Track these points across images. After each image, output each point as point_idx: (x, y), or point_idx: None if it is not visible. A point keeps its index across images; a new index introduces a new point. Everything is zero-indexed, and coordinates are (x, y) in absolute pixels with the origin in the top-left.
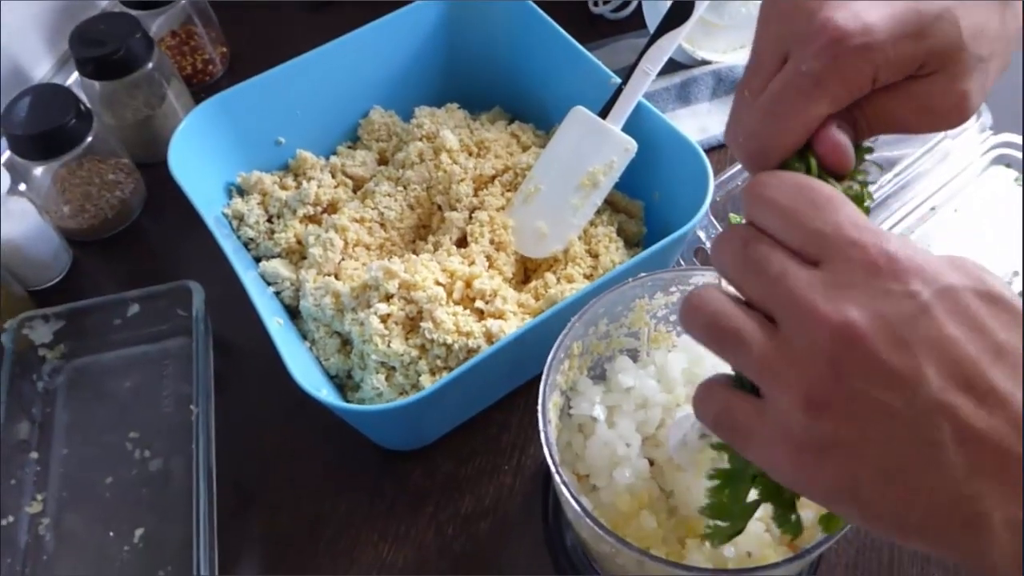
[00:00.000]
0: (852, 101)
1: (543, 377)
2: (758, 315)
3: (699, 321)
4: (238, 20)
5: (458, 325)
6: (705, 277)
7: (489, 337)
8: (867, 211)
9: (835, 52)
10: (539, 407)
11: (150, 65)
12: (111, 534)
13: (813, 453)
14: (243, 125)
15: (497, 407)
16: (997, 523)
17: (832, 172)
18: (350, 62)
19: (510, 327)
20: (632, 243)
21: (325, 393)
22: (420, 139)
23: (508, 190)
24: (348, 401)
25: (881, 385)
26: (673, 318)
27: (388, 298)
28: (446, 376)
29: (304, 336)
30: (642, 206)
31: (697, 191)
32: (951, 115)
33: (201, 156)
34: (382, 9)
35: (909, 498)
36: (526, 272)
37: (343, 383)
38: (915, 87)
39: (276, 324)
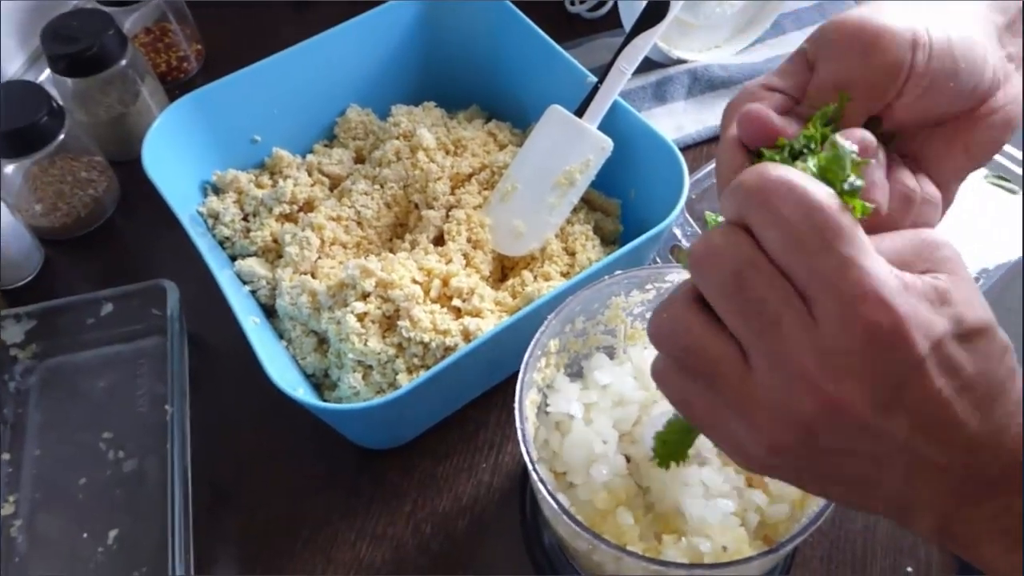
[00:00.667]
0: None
1: (520, 374)
2: (733, 345)
3: (672, 347)
4: (214, 18)
5: (435, 323)
6: (681, 275)
7: (466, 335)
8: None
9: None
10: (516, 405)
11: (123, 62)
12: (85, 535)
13: (769, 470)
14: (219, 123)
15: (475, 405)
16: (927, 523)
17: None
18: (327, 60)
19: (487, 325)
20: (609, 241)
21: (302, 392)
22: (397, 137)
23: (485, 188)
24: (325, 400)
25: (854, 440)
26: (650, 315)
27: (365, 297)
28: (423, 375)
29: (280, 335)
30: (619, 204)
31: (672, 189)
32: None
33: (176, 154)
34: (359, 8)
35: (864, 501)
36: (503, 270)
37: (320, 382)
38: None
39: (252, 323)
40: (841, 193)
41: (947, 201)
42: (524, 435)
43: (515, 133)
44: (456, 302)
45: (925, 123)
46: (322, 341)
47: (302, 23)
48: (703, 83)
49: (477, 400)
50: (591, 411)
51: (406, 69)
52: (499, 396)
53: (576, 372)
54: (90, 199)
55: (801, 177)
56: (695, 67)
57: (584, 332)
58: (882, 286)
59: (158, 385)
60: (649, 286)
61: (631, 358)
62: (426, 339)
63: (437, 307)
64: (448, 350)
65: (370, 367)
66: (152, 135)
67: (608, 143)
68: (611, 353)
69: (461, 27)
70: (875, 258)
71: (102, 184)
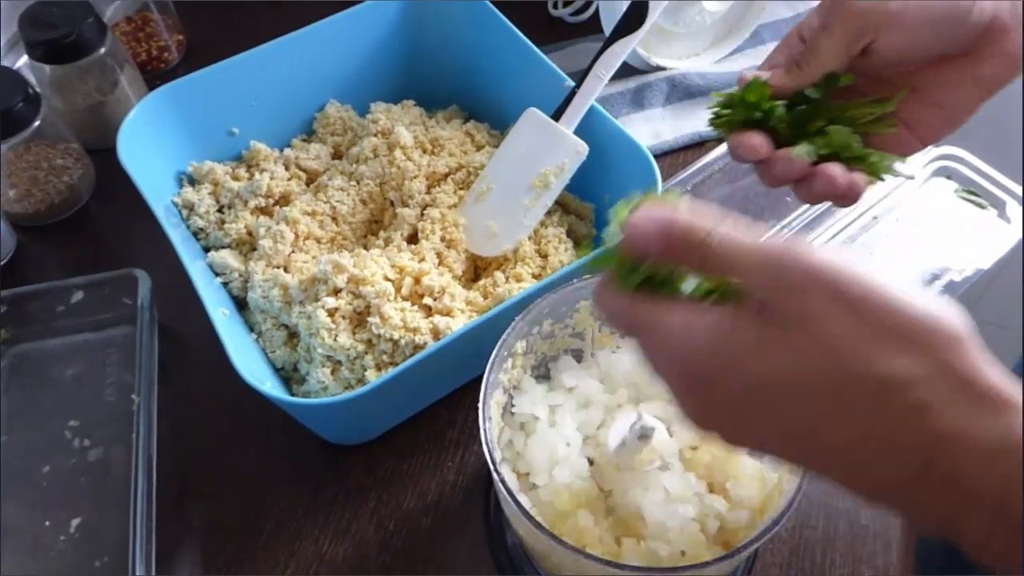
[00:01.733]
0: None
1: (485, 375)
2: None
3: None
4: (196, 9)
5: (405, 321)
6: None
7: (436, 333)
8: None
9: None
10: (480, 405)
11: (102, 50)
12: (47, 523)
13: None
14: (196, 114)
15: (443, 404)
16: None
17: None
18: (308, 55)
19: (457, 324)
20: (582, 244)
21: (269, 386)
22: (375, 135)
23: (461, 188)
24: (293, 395)
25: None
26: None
27: (336, 292)
28: (391, 371)
29: (251, 328)
30: (592, 208)
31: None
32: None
33: (152, 144)
34: (341, 5)
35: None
36: (476, 270)
37: (289, 376)
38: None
39: (221, 315)
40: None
41: (957, 123)
42: (487, 435)
43: (492, 134)
44: (427, 300)
45: (916, 59)
46: (292, 335)
47: (284, 18)
48: (681, 91)
49: (446, 399)
50: (556, 413)
51: (386, 67)
52: (467, 395)
53: (543, 374)
54: (65, 186)
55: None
56: (674, 74)
57: (552, 335)
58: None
59: (126, 374)
60: None
61: (598, 362)
62: (396, 336)
63: (408, 305)
64: (417, 348)
65: (339, 363)
66: (128, 125)
67: (583, 147)
68: (579, 356)
69: (442, 27)
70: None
71: (77, 172)
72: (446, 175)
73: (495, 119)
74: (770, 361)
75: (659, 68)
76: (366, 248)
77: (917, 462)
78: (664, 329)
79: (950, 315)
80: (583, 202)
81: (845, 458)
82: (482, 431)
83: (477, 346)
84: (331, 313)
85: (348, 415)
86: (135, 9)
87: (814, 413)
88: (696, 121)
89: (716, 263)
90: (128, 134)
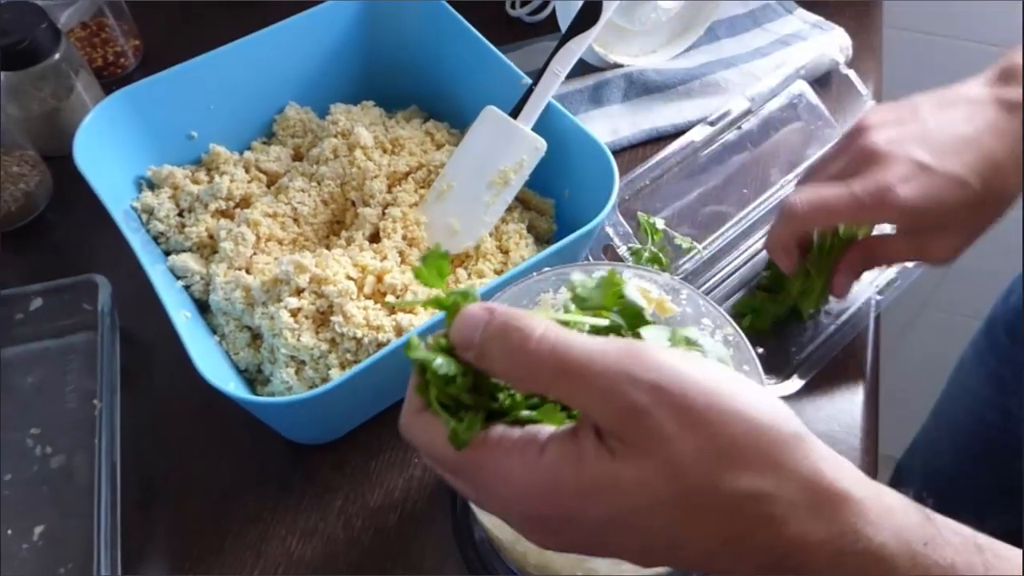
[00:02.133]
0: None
1: None
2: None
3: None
4: (152, 14)
5: (368, 319)
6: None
7: (399, 331)
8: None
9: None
10: None
11: (57, 56)
12: (9, 532)
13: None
14: (154, 118)
15: None
16: None
17: None
18: (266, 57)
19: (420, 321)
20: (543, 240)
21: (233, 386)
22: (335, 135)
23: (421, 187)
24: (258, 395)
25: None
26: None
27: (299, 292)
28: (354, 368)
29: (214, 331)
30: (552, 204)
31: (604, 189)
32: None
33: (109, 149)
34: (300, 7)
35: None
36: None
37: (253, 377)
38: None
39: (183, 318)
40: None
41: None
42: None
43: (452, 133)
44: (390, 299)
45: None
46: (255, 336)
47: (242, 20)
48: (639, 87)
49: None
50: None
51: (345, 68)
52: None
53: None
54: (21, 194)
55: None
56: (631, 71)
57: None
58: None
59: (88, 380)
60: None
61: None
62: (359, 335)
63: (371, 303)
64: (381, 345)
65: (303, 362)
66: (84, 129)
67: (542, 144)
68: None
69: (400, 27)
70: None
71: (34, 179)
72: (407, 174)
73: (455, 118)
74: (621, 494)
75: (616, 65)
76: (328, 248)
77: (773, 560)
78: (500, 475)
79: (787, 418)
80: (543, 198)
81: (706, 561)
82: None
83: None
84: (294, 313)
85: (312, 413)
86: (90, 15)
87: (671, 532)
88: (654, 117)
89: (545, 379)
90: (85, 139)
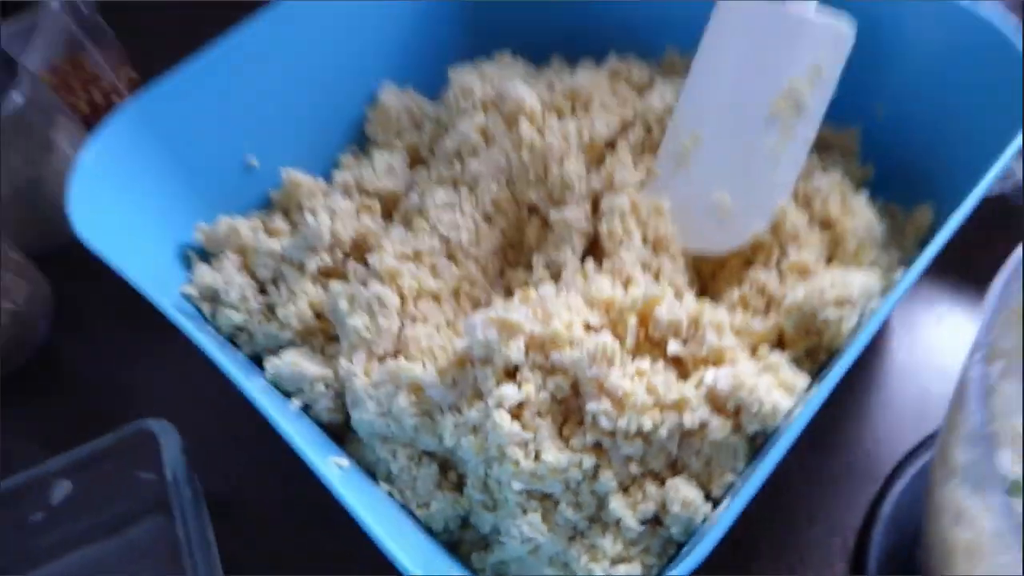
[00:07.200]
0: None
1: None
2: None
3: None
4: (145, 32)
5: (654, 391)
6: None
7: (716, 402)
8: None
9: None
10: None
11: (16, 99)
12: None
13: None
14: (182, 145)
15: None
16: None
17: None
18: (332, 27)
19: (748, 373)
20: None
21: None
22: (476, 109)
23: (643, 153)
24: (476, 571)
25: None
26: None
27: (513, 373)
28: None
29: (371, 472)
30: (856, 134)
31: (999, 100)
32: None
33: (126, 210)
34: None
35: None
36: (700, 279)
37: (457, 539)
38: None
39: (336, 468)
40: None
41: None
42: None
43: (650, 66)
44: (674, 346)
45: None
46: (446, 467)
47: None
48: None
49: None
50: None
51: (447, 14)
52: None
53: None
54: (8, 317)
55: None
56: None
57: None
58: None
59: None
60: None
61: None
62: (647, 425)
63: (646, 363)
64: (689, 435)
65: (551, 497)
66: (77, 191)
67: (844, 30)
68: None
69: None
70: None
71: (22, 292)
72: (612, 141)
73: (637, 46)
74: None
75: None
76: (510, 290)
77: None
78: None
79: None
80: (839, 129)
81: None
82: None
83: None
84: (517, 413)
85: None
86: (61, 53)
87: None
88: None
89: None
90: (82, 201)
